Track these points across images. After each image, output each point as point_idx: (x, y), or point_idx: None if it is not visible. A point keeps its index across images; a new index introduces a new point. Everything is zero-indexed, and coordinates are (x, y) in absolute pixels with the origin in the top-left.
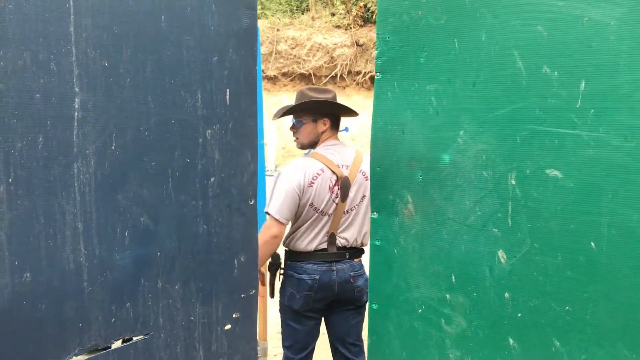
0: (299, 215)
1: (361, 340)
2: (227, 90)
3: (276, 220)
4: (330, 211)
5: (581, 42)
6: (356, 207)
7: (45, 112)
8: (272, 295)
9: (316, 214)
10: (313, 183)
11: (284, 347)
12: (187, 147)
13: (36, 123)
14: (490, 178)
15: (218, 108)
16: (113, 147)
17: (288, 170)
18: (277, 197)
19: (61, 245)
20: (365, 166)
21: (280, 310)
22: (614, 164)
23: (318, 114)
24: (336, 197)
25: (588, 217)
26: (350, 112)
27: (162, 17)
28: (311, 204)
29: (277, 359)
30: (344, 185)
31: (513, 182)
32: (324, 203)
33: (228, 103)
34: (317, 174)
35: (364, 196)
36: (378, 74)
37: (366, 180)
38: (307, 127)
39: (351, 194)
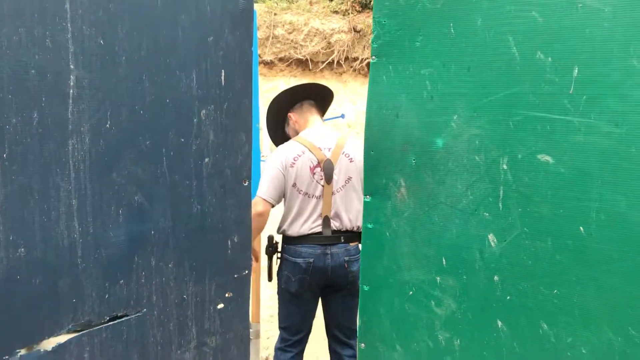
0: (287, 197)
1: (356, 324)
2: (223, 71)
3: (262, 199)
4: (317, 193)
5: (575, 29)
6: (342, 188)
7: (41, 88)
8: (269, 278)
9: (301, 196)
10: (294, 164)
11: (280, 328)
12: (181, 127)
13: (31, 99)
14: (482, 163)
15: (213, 89)
16: (108, 125)
17: (273, 153)
18: (263, 179)
19: (55, 222)
20: (351, 149)
21: (278, 292)
22: (604, 150)
23: (281, 119)
24: (320, 179)
25: (578, 202)
26: (315, 91)
27: None
28: (294, 185)
29: (269, 342)
30: (326, 167)
31: (505, 167)
32: (305, 184)
33: (223, 84)
34: (298, 155)
35: (349, 178)
36: (374, 57)
37: (350, 162)
38: (288, 130)
39: (335, 176)
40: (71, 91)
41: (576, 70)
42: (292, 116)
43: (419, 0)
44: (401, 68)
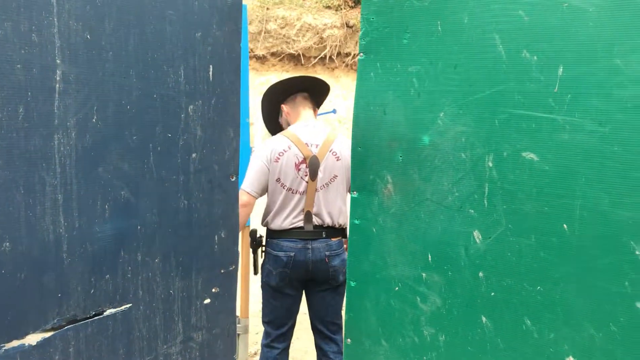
0: (270, 191)
1: (340, 319)
2: (210, 66)
3: (245, 191)
4: (301, 189)
5: (561, 28)
6: (326, 186)
7: (26, 83)
8: (255, 272)
9: (284, 191)
10: (279, 159)
11: (264, 322)
12: (169, 122)
13: (17, 94)
14: (468, 160)
15: (201, 84)
16: (94, 120)
17: (260, 146)
18: (248, 172)
19: (41, 216)
20: (340, 146)
21: (261, 286)
22: (588, 149)
23: (276, 109)
24: (305, 175)
25: (562, 199)
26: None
27: None
28: (278, 179)
29: (258, 337)
30: (312, 163)
31: (490, 164)
32: (290, 180)
33: (211, 79)
34: (284, 150)
35: (335, 176)
36: (361, 54)
37: (337, 160)
38: (281, 121)
39: (320, 173)
40: (57, 86)
41: (561, 69)
42: (285, 108)
43: None
44: (389, 65)
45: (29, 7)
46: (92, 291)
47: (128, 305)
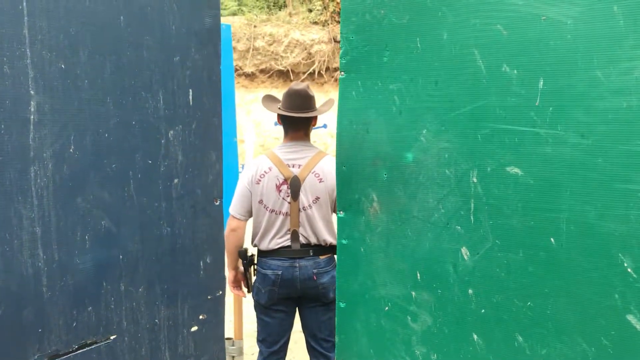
0: (254, 213)
1: (334, 336)
2: (190, 90)
3: (233, 216)
4: (284, 210)
5: (539, 41)
6: (309, 207)
7: None
8: (248, 290)
9: (267, 213)
10: (260, 181)
11: (258, 341)
12: (148, 149)
13: None
14: (452, 176)
15: (181, 108)
16: (71, 150)
17: (245, 168)
18: (234, 195)
19: (18, 250)
20: (323, 169)
21: (254, 305)
22: (572, 161)
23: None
24: (287, 196)
25: (548, 213)
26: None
27: (121, 17)
28: (260, 201)
29: (254, 357)
30: (293, 184)
31: (475, 179)
32: (272, 201)
33: (191, 103)
34: (265, 172)
35: (317, 197)
36: (342, 73)
37: (320, 182)
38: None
39: (302, 194)
40: (32, 117)
41: (542, 82)
42: (278, 120)
43: (385, 16)
44: (370, 83)
45: None
46: (75, 324)
47: (112, 337)
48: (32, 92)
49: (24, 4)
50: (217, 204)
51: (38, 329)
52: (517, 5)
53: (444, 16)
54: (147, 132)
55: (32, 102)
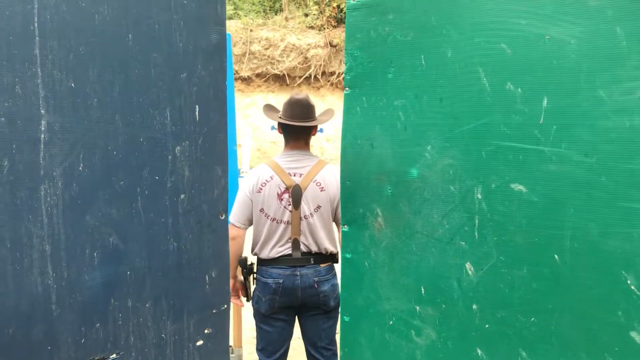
0: (255, 221)
1: (334, 345)
2: (197, 106)
3: (233, 225)
4: (285, 219)
5: (543, 60)
6: (310, 215)
7: (11, 135)
8: (248, 299)
9: (269, 221)
10: (261, 189)
11: (257, 350)
12: (156, 165)
13: (1, 147)
14: (457, 192)
15: (187, 124)
16: (80, 168)
17: (246, 176)
18: (234, 203)
19: (28, 269)
20: (325, 178)
21: (253, 313)
22: (576, 179)
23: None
24: (288, 205)
25: (552, 230)
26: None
27: (130, 35)
28: (261, 210)
29: None
30: (294, 193)
31: (479, 196)
32: (273, 210)
33: (197, 119)
34: (266, 180)
35: (319, 206)
36: (347, 88)
37: (321, 191)
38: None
39: (303, 202)
40: (42, 136)
41: (545, 101)
42: (279, 130)
43: (390, 33)
44: (374, 99)
45: (11, 59)
46: (83, 341)
47: (120, 353)
48: (42, 112)
49: (35, 24)
50: (223, 218)
51: (47, 346)
52: (521, 24)
53: (448, 34)
54: (155, 149)
55: (42, 122)
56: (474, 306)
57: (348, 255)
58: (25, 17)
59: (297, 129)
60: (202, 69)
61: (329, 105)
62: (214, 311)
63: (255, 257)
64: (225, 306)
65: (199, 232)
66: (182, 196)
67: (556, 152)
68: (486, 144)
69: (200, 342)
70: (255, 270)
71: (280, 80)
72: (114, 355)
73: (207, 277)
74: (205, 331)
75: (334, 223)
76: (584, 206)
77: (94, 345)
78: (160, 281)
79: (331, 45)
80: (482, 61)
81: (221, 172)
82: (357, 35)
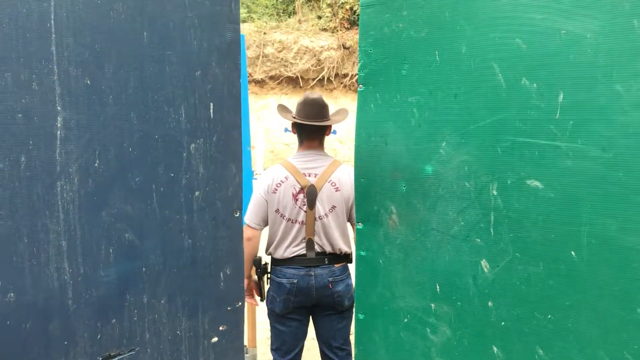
0: (270, 222)
1: (349, 345)
2: (211, 104)
3: (248, 225)
4: (300, 219)
5: (559, 55)
6: (325, 216)
7: (28, 131)
8: (262, 299)
9: (284, 222)
10: (276, 190)
11: (272, 350)
12: (171, 162)
13: (18, 143)
14: (472, 189)
15: (202, 122)
16: (96, 165)
17: (260, 177)
18: (249, 204)
19: (45, 264)
20: (340, 178)
21: (267, 314)
22: (592, 175)
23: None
24: (303, 205)
25: (568, 226)
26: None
27: (145, 33)
28: (277, 210)
29: None
30: (310, 193)
31: (495, 192)
32: (288, 210)
33: (212, 117)
34: (281, 181)
35: (334, 206)
36: (361, 85)
37: (336, 191)
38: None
39: (318, 203)
40: (59, 132)
41: (561, 96)
42: (293, 130)
43: (404, 29)
44: (388, 96)
45: (28, 56)
46: (99, 337)
47: (136, 349)
48: (59, 108)
49: (52, 21)
50: (237, 215)
51: (64, 341)
52: (537, 19)
53: (462, 30)
54: (170, 146)
55: (59, 118)
56: (490, 303)
57: (362, 253)
58: (41, 14)
59: (312, 128)
60: (217, 66)
61: (342, 107)
62: (228, 308)
63: (270, 257)
64: (240, 303)
65: (213, 229)
66: (197, 193)
67: (572, 148)
68: (502, 140)
69: (215, 339)
70: (269, 270)
71: (293, 82)
72: (130, 351)
73: (221, 274)
74: (220, 328)
75: (348, 223)
76: (601, 202)
77: (110, 340)
78: (175, 278)
79: (344, 48)
80: (497, 56)
81: (235, 169)
82: (371, 32)
